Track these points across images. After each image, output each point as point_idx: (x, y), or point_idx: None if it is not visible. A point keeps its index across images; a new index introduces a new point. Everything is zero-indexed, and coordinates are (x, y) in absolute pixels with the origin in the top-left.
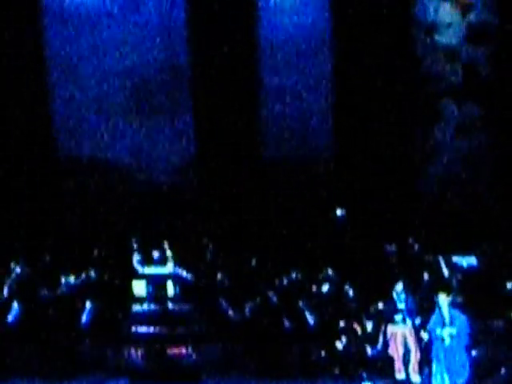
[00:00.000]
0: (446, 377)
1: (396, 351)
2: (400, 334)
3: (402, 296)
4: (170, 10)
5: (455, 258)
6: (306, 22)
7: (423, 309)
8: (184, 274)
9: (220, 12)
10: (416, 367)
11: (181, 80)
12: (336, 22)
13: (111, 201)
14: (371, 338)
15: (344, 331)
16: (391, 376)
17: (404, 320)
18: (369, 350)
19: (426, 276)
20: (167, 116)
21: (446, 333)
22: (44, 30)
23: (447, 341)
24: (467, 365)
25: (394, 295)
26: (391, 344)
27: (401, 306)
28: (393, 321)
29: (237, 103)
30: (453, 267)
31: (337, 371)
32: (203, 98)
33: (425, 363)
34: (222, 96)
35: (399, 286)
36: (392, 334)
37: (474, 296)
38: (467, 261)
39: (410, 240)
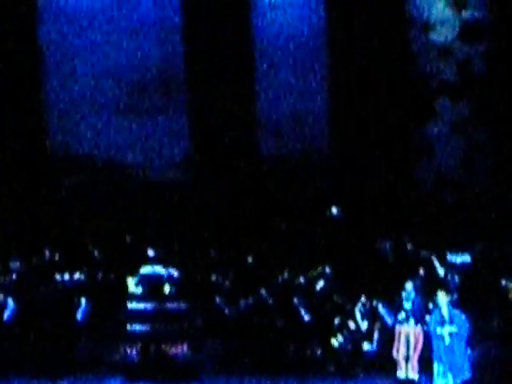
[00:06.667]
0: (450, 375)
1: (398, 350)
2: (404, 332)
3: (412, 295)
4: (165, 7)
5: (450, 256)
6: (302, 20)
7: (425, 307)
8: (179, 272)
9: (215, 10)
10: (415, 365)
11: (176, 78)
12: (331, 19)
13: (107, 198)
14: (367, 336)
15: (339, 328)
16: (388, 373)
17: (408, 319)
18: (365, 348)
19: (422, 274)
20: (163, 114)
21: (447, 331)
22: (39, 27)
23: (447, 340)
24: (467, 362)
25: (403, 294)
26: (395, 342)
27: (407, 305)
28: (396, 319)
29: (233, 100)
30: (447, 265)
31: (332, 368)
32: (199, 96)
33: (425, 362)
34: (218, 93)
35: (408, 285)
36: (396, 332)
37: (469, 293)
38: (461, 259)
39: (405, 238)
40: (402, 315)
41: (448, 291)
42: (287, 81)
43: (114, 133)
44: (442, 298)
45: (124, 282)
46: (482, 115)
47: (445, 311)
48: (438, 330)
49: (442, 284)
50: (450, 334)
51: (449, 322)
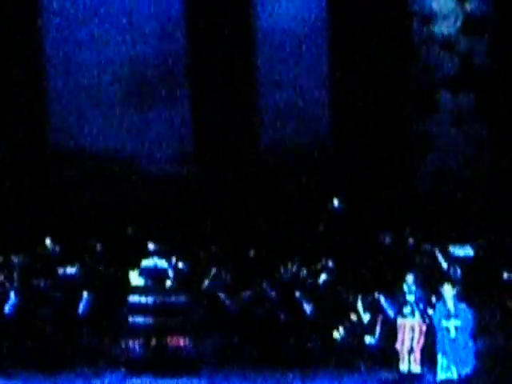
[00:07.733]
0: (454, 368)
1: (402, 343)
2: (408, 325)
3: (413, 288)
4: (167, 0)
5: (452, 249)
6: (303, 12)
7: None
8: (181, 265)
9: (217, 2)
10: (418, 358)
11: (179, 70)
12: (333, 11)
13: (109, 191)
14: (369, 329)
15: (341, 322)
16: (390, 366)
17: (412, 311)
18: (367, 341)
19: (424, 267)
20: (165, 106)
21: (452, 324)
22: (41, 19)
23: (453, 332)
24: (471, 355)
25: (404, 287)
26: (399, 335)
27: (410, 297)
28: (400, 312)
29: (235, 93)
30: (450, 257)
31: (334, 361)
32: (201, 88)
33: (429, 355)
34: (220, 86)
35: (410, 278)
36: (398, 325)
37: (472, 286)
38: (464, 251)
39: (407, 231)
40: (405, 308)
41: (453, 284)
42: (289, 73)
43: (115, 126)
44: (448, 290)
45: (126, 275)
46: (484, 108)
47: (450, 304)
48: (444, 322)
49: (447, 277)
50: (455, 327)
51: (454, 315)
